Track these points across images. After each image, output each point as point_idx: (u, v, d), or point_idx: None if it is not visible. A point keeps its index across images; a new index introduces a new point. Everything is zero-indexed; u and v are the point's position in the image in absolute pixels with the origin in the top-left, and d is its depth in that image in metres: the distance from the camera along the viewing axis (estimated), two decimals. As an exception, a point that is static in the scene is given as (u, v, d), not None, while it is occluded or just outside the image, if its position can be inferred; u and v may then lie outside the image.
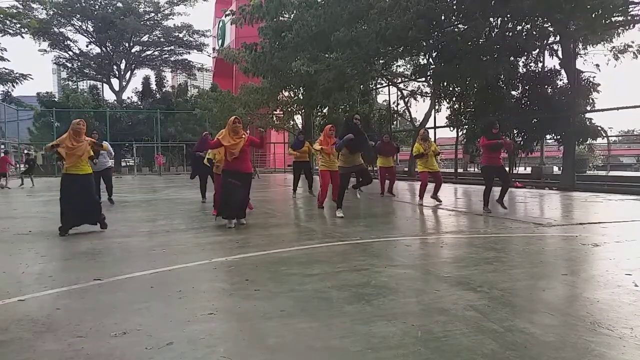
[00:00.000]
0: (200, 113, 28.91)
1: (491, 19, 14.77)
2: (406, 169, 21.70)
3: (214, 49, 44.16)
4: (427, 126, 20.01)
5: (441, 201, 9.01)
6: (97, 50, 41.27)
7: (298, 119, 29.03)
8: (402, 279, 3.62)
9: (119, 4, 39.66)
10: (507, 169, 16.00)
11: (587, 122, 14.07)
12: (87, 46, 41.30)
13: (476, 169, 22.59)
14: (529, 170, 18.44)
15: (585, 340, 2.40)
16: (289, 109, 26.51)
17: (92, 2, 39.24)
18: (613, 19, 12.31)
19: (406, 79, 22.83)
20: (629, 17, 12.19)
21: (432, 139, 12.04)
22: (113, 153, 9.85)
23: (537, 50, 15.18)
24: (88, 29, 39.94)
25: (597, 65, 14.49)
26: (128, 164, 38.24)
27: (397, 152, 12.18)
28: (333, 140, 8.71)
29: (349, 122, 7.41)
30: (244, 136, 6.33)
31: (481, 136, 8.17)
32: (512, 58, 15.27)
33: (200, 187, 10.21)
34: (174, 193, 13.62)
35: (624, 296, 3.12)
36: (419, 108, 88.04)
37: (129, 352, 2.33)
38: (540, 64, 15.36)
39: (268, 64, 19.87)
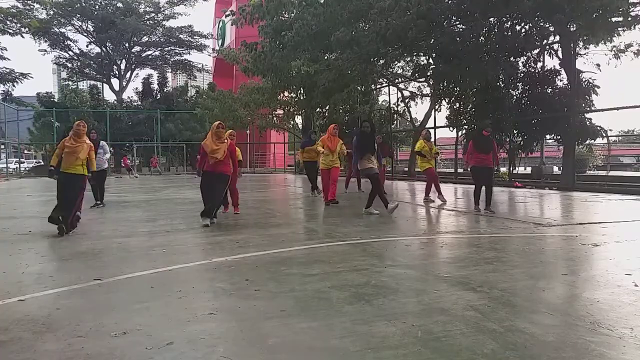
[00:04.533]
0: (201, 112, 28.91)
1: (491, 19, 14.77)
2: (406, 169, 21.69)
3: (213, 49, 44.12)
4: (427, 126, 20.02)
5: (445, 201, 9.34)
6: (97, 50, 41.17)
7: (298, 119, 29.04)
8: (402, 279, 3.62)
9: (119, 4, 39.56)
10: (506, 169, 16.10)
11: (587, 122, 14.08)
12: (87, 46, 41.21)
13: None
14: (529, 170, 18.44)
15: (585, 340, 2.40)
16: (290, 109, 26.51)
17: (92, 2, 39.17)
18: (613, 20, 12.30)
19: (406, 80, 22.82)
20: (630, 18, 12.17)
21: (432, 140, 12.27)
22: (108, 153, 9.77)
23: (537, 50, 15.18)
24: (88, 29, 39.84)
25: (598, 65, 14.51)
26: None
27: (391, 152, 12.28)
28: (337, 139, 9.09)
29: (360, 130, 7.79)
30: (226, 141, 6.69)
31: (469, 140, 8.40)
32: (512, 58, 15.28)
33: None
34: (174, 193, 13.61)
35: (624, 296, 3.12)
36: (418, 109, 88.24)
37: (129, 352, 2.33)
38: (540, 64, 15.38)
39: (268, 63, 19.88)
